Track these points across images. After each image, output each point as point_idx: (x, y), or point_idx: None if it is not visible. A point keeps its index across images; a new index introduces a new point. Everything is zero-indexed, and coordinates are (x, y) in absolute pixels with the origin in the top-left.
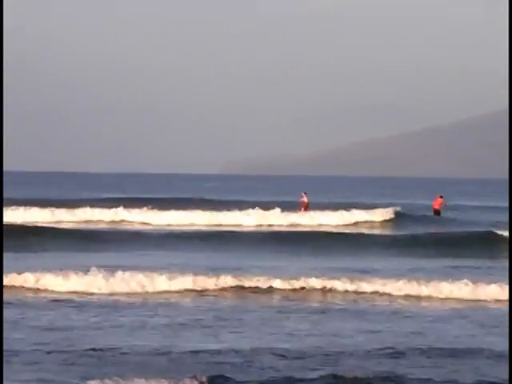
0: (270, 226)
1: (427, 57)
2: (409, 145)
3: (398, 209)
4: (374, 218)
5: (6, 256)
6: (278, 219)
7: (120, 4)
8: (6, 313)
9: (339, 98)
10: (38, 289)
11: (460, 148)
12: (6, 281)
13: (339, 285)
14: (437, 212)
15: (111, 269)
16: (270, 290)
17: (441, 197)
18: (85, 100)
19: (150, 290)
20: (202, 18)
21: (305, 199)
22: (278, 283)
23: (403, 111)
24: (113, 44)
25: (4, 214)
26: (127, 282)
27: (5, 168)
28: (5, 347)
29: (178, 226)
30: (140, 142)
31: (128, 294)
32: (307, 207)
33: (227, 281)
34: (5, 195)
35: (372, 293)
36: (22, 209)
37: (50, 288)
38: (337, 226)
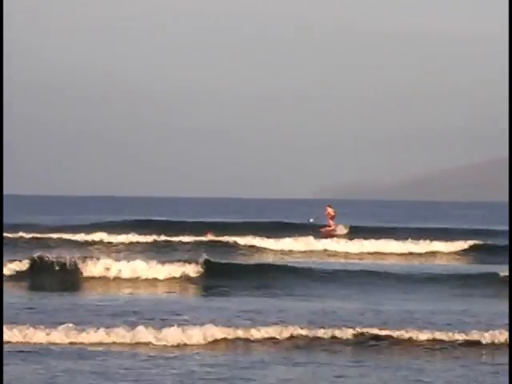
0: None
1: None
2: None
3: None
4: None
5: None
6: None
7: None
8: None
9: (434, 121)
10: None
11: None
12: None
13: None
14: None
15: None
16: None
17: None
18: (177, 124)
19: None
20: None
21: (330, 211)
22: None
23: (502, 135)
24: (193, 72)
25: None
26: None
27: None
28: None
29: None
30: (231, 167)
31: None
32: (333, 218)
33: None
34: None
35: None
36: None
37: None
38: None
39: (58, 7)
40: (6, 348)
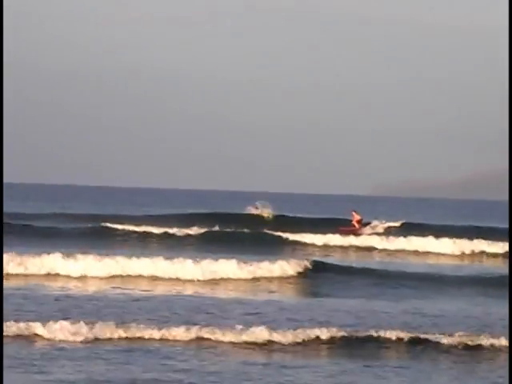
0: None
1: None
2: None
3: None
4: None
5: None
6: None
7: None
8: None
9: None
10: None
11: None
12: None
13: None
14: None
15: None
16: None
17: None
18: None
19: None
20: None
21: (356, 216)
22: None
23: None
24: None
25: None
26: None
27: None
28: None
29: None
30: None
31: None
32: (360, 222)
33: None
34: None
35: None
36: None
37: None
38: None
39: None
40: None
